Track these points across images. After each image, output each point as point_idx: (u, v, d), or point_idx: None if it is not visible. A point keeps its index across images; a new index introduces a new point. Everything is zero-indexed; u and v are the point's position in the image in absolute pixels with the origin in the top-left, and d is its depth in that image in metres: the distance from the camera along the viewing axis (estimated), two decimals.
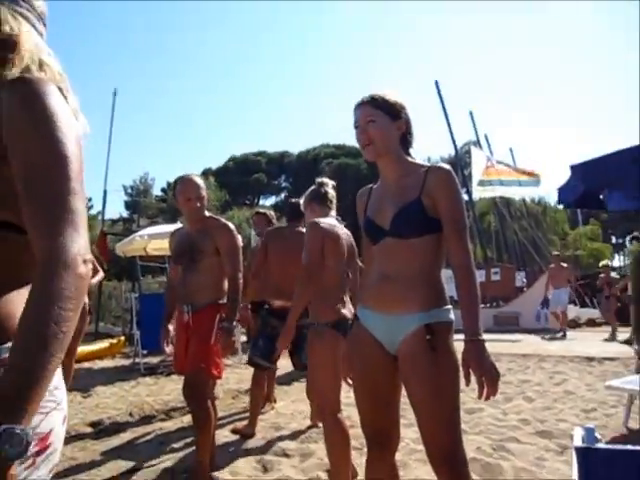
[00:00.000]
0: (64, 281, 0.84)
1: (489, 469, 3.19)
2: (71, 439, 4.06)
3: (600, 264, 12.89)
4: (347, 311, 2.84)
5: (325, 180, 3.25)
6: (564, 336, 10.55)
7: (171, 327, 3.41)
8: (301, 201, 3.41)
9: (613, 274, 11.38)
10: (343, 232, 3.01)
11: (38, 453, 0.90)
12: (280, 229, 4.57)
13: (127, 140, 71.13)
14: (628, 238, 10.10)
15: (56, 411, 0.95)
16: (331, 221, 2.99)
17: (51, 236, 0.86)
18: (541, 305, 12.25)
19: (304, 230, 3.43)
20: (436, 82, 17.78)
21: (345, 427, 2.83)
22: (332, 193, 3.18)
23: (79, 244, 0.87)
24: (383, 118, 1.94)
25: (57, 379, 0.97)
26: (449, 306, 1.92)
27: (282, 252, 3.99)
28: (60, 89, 0.98)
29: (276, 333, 3.31)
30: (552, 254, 13.01)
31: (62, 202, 0.88)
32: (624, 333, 9.85)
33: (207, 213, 3.38)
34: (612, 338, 9.60)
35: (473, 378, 1.78)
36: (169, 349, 3.38)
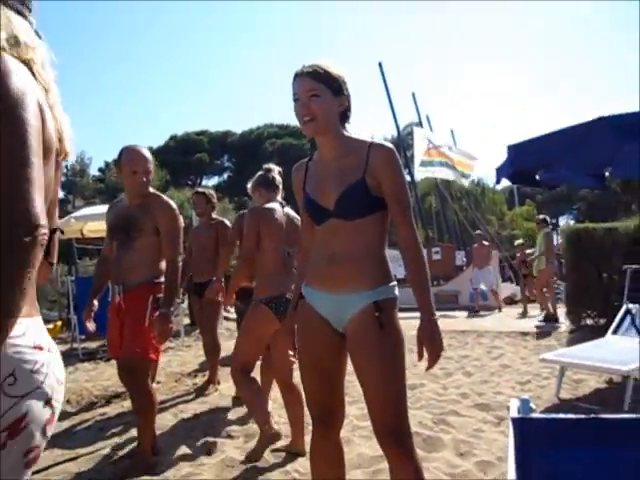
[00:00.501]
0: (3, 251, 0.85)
1: (430, 442, 3.28)
2: None
3: (515, 243, 13.31)
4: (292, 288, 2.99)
5: (272, 166, 3.51)
6: (500, 310, 11.06)
7: (96, 302, 3.29)
8: (248, 185, 3.56)
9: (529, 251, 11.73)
10: (284, 215, 3.27)
11: (10, 436, 0.94)
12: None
13: None
14: (536, 220, 10.53)
15: (32, 394, 0.98)
16: (273, 205, 3.27)
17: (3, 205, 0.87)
18: (471, 285, 12.67)
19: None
20: (380, 64, 17.83)
21: (253, 381, 3.30)
22: (278, 179, 3.43)
23: (29, 212, 0.88)
24: (326, 92, 1.86)
25: (37, 363, 1.00)
26: (394, 282, 1.94)
27: None
28: (29, 65, 1.04)
29: (239, 312, 3.82)
30: (475, 233, 13.30)
31: (14, 173, 0.90)
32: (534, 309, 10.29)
33: (151, 189, 3.18)
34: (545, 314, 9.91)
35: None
36: (91, 326, 3.24)
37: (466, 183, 16.55)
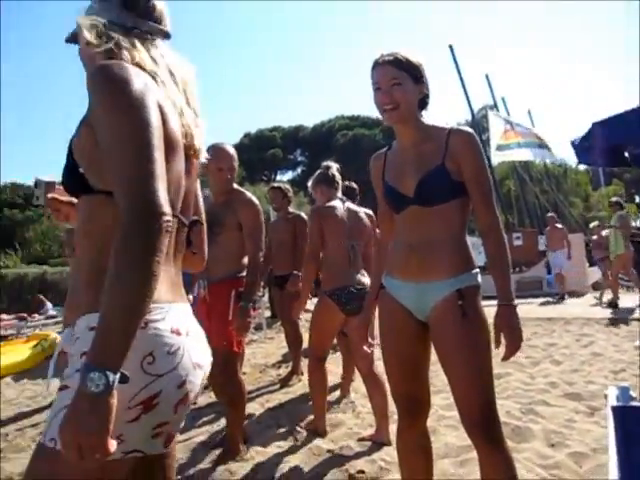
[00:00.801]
0: (129, 239, 0.97)
1: (519, 432, 3.19)
2: None
3: (590, 225, 12.62)
4: (358, 279, 3.33)
5: (330, 163, 3.67)
6: (562, 299, 10.44)
7: (190, 297, 3.45)
8: (309, 184, 3.73)
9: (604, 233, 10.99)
10: (345, 211, 3.45)
11: (144, 410, 1.04)
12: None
13: None
14: (609, 202, 9.86)
15: (167, 375, 1.07)
16: (334, 203, 3.45)
17: (125, 197, 0.99)
18: (547, 271, 12.21)
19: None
20: (450, 47, 17.36)
21: (324, 371, 3.53)
22: (338, 176, 3.59)
23: (153, 202, 0.99)
24: (407, 81, 1.85)
25: (173, 346, 1.10)
26: (477, 270, 1.90)
27: None
28: (153, 74, 1.17)
29: None
30: (547, 215, 12.73)
31: (140, 169, 1.01)
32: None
33: (235, 186, 3.27)
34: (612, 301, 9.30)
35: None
36: None
37: (551, 159, 15.73)
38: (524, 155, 14.69)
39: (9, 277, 18.88)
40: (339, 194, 3.58)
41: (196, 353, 1.16)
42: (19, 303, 16.42)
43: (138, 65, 1.16)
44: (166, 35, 1.30)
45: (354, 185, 4.98)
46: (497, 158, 15.10)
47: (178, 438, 3.59)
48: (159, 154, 1.04)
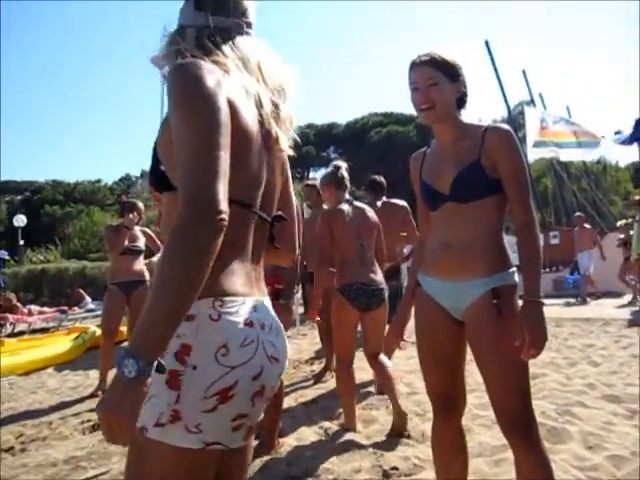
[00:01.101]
0: (180, 233, 0.98)
1: (555, 433, 3.15)
2: None
3: (617, 224, 12.27)
4: (370, 278, 3.45)
5: (340, 163, 3.73)
6: (584, 302, 10.22)
7: None
8: (316, 183, 3.87)
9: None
10: (352, 212, 3.54)
11: (221, 400, 1.06)
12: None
13: None
14: (633, 201, 9.53)
15: (241, 367, 1.09)
16: (341, 207, 3.54)
17: (183, 191, 1.01)
18: (570, 271, 11.97)
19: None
20: (486, 42, 17.09)
21: (352, 376, 3.57)
22: (347, 176, 3.65)
23: (210, 201, 0.99)
24: (444, 80, 1.86)
25: (246, 339, 1.11)
26: (514, 268, 1.90)
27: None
28: (227, 69, 1.17)
29: None
30: (575, 215, 12.41)
31: (201, 167, 1.01)
32: None
33: None
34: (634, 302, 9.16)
35: None
36: None
37: (597, 153, 15.25)
38: (561, 154, 14.34)
39: (51, 271, 19.43)
40: (347, 196, 3.66)
41: (272, 347, 1.17)
42: (60, 297, 16.90)
43: (212, 61, 1.17)
44: (241, 27, 1.30)
45: (382, 179, 5.01)
46: (533, 155, 14.80)
47: None
48: (224, 153, 1.04)
